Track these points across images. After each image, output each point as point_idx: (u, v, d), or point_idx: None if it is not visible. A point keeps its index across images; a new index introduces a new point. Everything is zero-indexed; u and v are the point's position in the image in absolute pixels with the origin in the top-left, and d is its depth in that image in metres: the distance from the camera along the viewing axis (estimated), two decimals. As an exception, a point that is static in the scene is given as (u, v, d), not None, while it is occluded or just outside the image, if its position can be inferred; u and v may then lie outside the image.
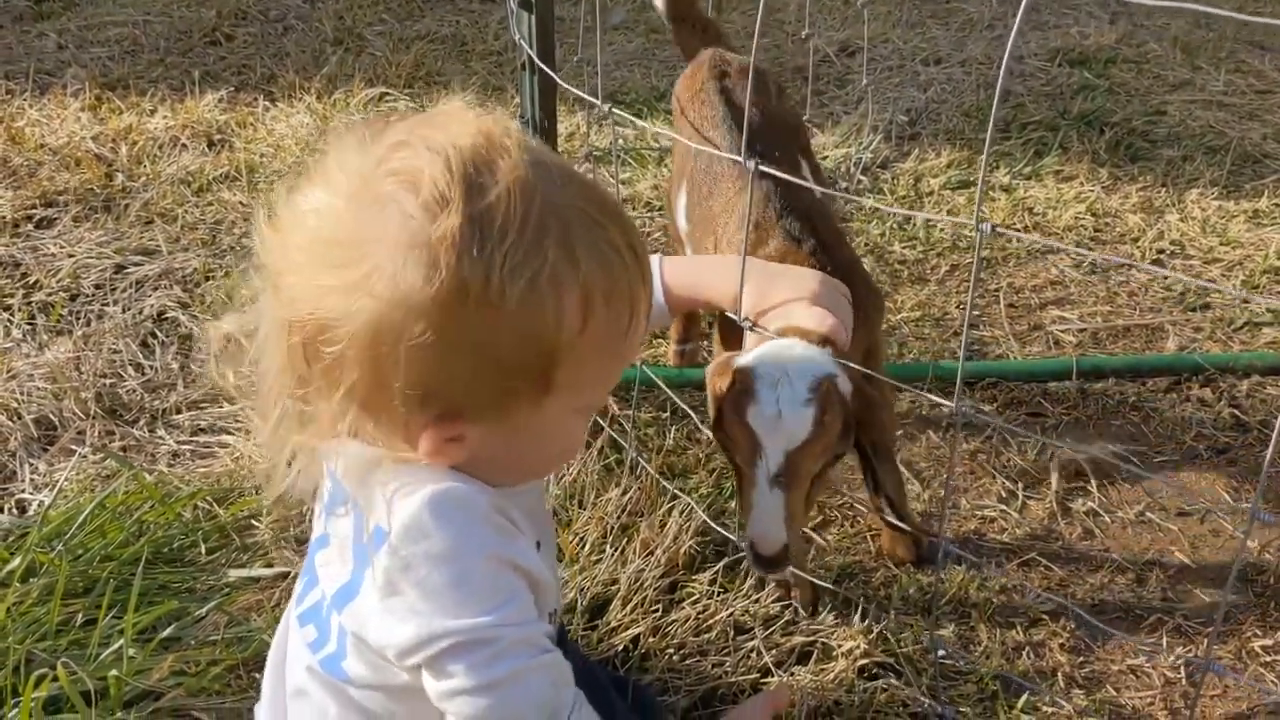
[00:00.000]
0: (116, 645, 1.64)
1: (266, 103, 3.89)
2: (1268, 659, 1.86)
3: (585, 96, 2.03)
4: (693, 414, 2.12)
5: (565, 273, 1.02)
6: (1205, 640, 1.88)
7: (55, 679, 1.56)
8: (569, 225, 1.03)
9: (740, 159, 1.93)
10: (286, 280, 1.05)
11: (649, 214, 3.18)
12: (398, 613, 1.06)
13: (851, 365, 1.60)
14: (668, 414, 2.37)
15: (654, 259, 1.62)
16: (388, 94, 3.92)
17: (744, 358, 1.57)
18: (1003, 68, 1.26)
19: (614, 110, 1.90)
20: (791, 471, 1.51)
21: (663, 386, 2.21)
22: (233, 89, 3.99)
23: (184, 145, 3.60)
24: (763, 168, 1.61)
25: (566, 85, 2.12)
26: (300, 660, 1.21)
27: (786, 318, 1.59)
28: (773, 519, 1.52)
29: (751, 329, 1.72)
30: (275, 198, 1.09)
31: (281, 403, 1.11)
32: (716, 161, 1.98)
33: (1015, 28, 1.32)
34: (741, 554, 1.96)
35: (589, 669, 1.51)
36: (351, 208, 1.02)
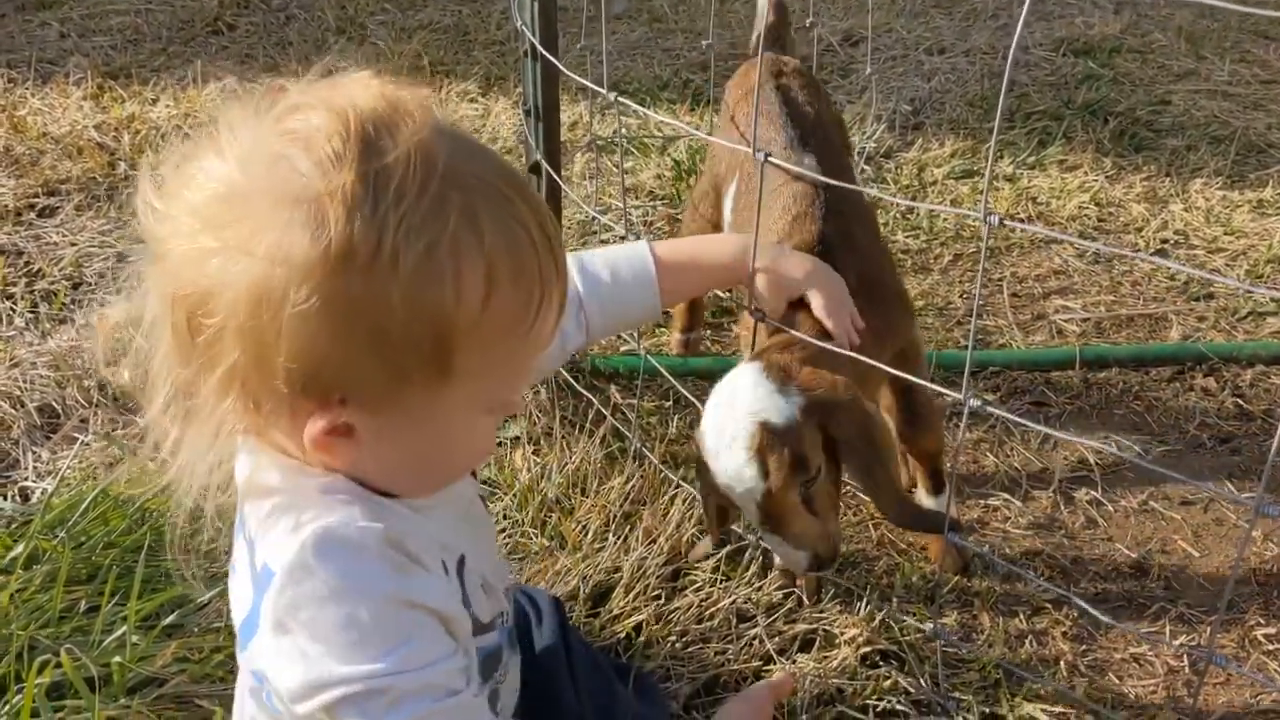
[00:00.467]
0: (119, 632, 1.64)
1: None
2: (1270, 648, 1.86)
3: (590, 85, 2.02)
4: (696, 403, 2.12)
5: (468, 243, 0.94)
6: (1208, 629, 1.88)
7: (59, 665, 1.56)
8: (474, 196, 0.96)
9: (787, 152, 1.95)
10: (169, 247, 0.97)
11: (651, 203, 3.18)
12: (288, 654, 1.00)
13: (841, 350, 1.61)
14: (670, 403, 2.37)
15: (642, 243, 1.61)
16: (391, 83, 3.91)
17: (704, 415, 1.61)
18: (1010, 58, 1.25)
19: (619, 99, 1.89)
20: (771, 515, 1.54)
21: (666, 375, 2.21)
22: (235, 78, 3.97)
23: (187, 134, 3.58)
24: (772, 160, 1.63)
25: (570, 73, 2.12)
26: (246, 684, 1.15)
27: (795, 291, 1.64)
28: (785, 552, 1.59)
29: (762, 320, 1.72)
30: (165, 167, 1.01)
31: (168, 388, 1.02)
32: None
33: (1022, 19, 1.31)
34: (743, 542, 1.96)
35: (590, 655, 1.51)
36: (240, 168, 0.95)
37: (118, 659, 1.60)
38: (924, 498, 2.04)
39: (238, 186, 0.94)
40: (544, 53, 2.14)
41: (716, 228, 2.26)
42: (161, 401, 1.03)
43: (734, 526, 1.96)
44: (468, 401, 1.02)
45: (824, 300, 1.64)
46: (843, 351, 1.62)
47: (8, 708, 1.56)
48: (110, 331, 1.05)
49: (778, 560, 1.92)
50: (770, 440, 1.50)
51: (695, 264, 1.64)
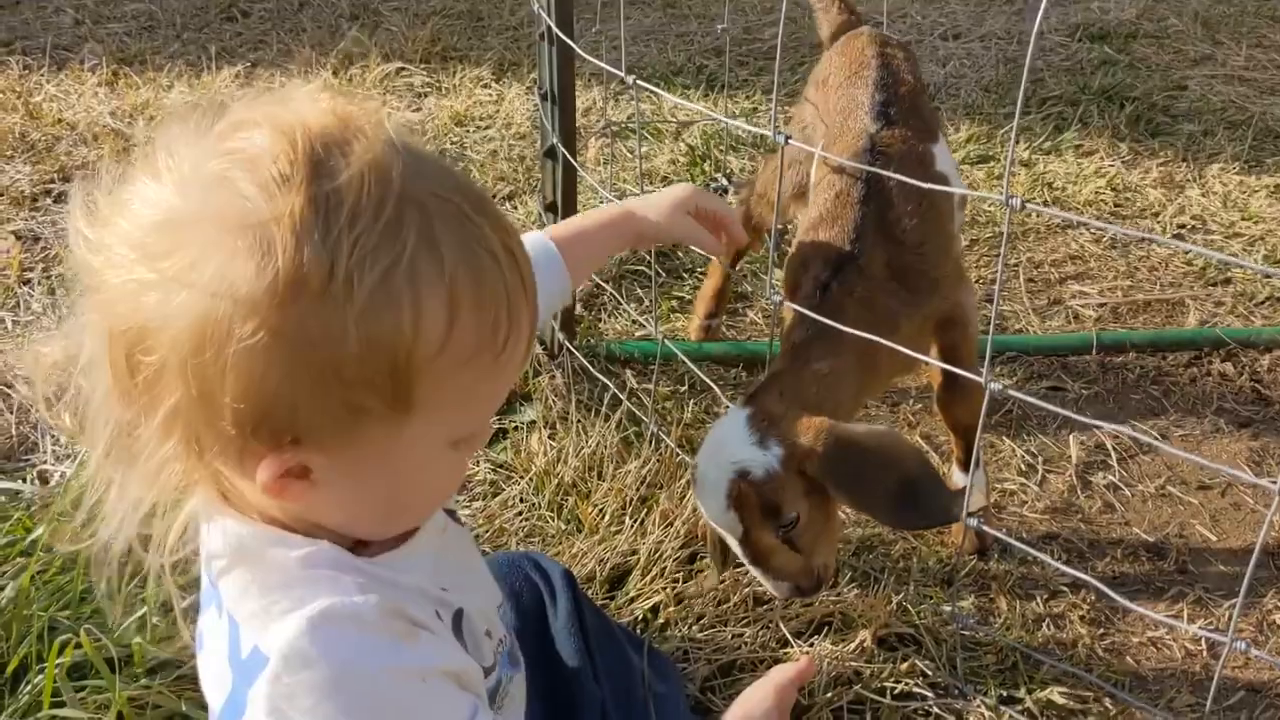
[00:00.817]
0: (140, 613, 1.65)
1: (283, 78, 3.88)
2: (1289, 632, 1.86)
3: (607, 68, 2.02)
4: (714, 386, 2.12)
5: (427, 268, 0.87)
6: (1226, 613, 1.88)
7: (79, 646, 1.57)
8: (432, 217, 0.89)
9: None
10: (104, 279, 0.89)
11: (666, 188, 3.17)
12: None
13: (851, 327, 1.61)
14: (686, 388, 2.37)
15: (532, 231, 1.61)
16: (404, 69, 3.92)
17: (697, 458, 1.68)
18: (1031, 45, 1.24)
19: (638, 82, 1.89)
20: (751, 551, 1.62)
21: (683, 359, 2.21)
22: (249, 64, 3.98)
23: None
24: (794, 142, 1.64)
25: (586, 55, 2.11)
26: None
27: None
28: (767, 580, 1.65)
29: (780, 305, 1.73)
30: (98, 190, 0.93)
31: (110, 431, 0.94)
32: (851, 116, 1.97)
33: (1042, 7, 1.31)
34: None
35: (606, 628, 1.50)
36: (178, 192, 0.88)
37: (138, 640, 1.61)
38: (955, 473, 2.04)
39: (176, 213, 0.87)
40: (560, 35, 2.14)
41: (800, 195, 2.21)
42: (104, 447, 0.95)
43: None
44: (431, 437, 0.95)
45: (704, 201, 1.71)
46: (851, 334, 1.63)
47: (30, 688, 1.57)
48: (49, 370, 0.97)
49: None
50: (746, 491, 1.57)
51: (585, 231, 1.63)
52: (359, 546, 1.02)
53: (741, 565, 1.73)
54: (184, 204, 0.87)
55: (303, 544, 0.97)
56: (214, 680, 1.01)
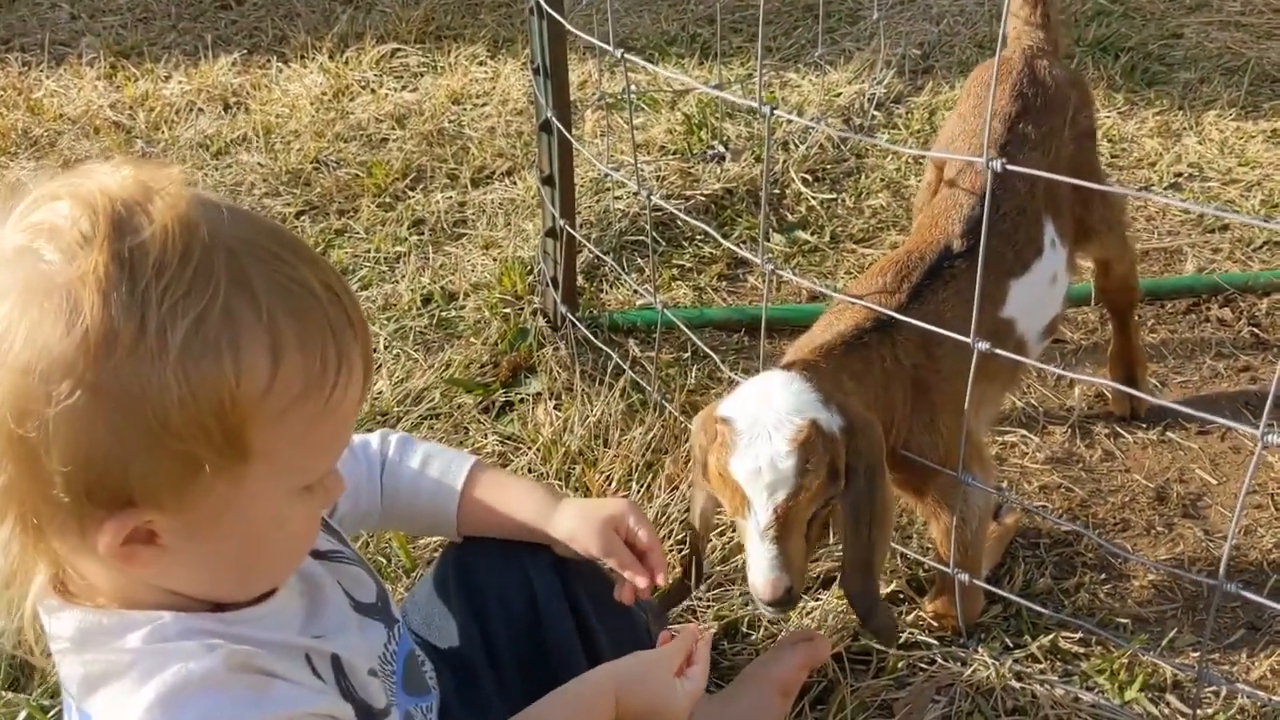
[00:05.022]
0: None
1: (279, 64, 3.90)
2: (1289, 570, 1.89)
3: (596, 42, 2.03)
4: (713, 355, 2.15)
5: (241, 310, 0.87)
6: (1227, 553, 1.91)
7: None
8: (242, 260, 0.89)
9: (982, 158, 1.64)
10: None
11: (663, 158, 3.19)
12: None
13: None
14: (688, 354, 2.40)
15: (471, 459, 1.48)
16: (399, 50, 3.93)
17: (724, 406, 1.49)
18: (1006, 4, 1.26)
19: (626, 55, 1.90)
20: (783, 520, 1.44)
21: (683, 328, 2.23)
22: (245, 52, 4.00)
23: (200, 109, 3.62)
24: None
25: (575, 31, 2.13)
26: None
27: None
28: (769, 568, 1.46)
29: (773, 272, 1.73)
30: None
31: None
32: (955, 141, 1.94)
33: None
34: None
35: (607, 591, 1.50)
36: None
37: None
38: None
39: None
40: (549, 10, 2.15)
41: None
42: None
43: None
44: (275, 485, 0.95)
45: (636, 523, 1.47)
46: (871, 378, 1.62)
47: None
48: None
49: None
50: (817, 439, 1.43)
51: (496, 509, 1.46)
52: (218, 609, 1.01)
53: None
54: None
55: (143, 622, 0.96)
56: None
